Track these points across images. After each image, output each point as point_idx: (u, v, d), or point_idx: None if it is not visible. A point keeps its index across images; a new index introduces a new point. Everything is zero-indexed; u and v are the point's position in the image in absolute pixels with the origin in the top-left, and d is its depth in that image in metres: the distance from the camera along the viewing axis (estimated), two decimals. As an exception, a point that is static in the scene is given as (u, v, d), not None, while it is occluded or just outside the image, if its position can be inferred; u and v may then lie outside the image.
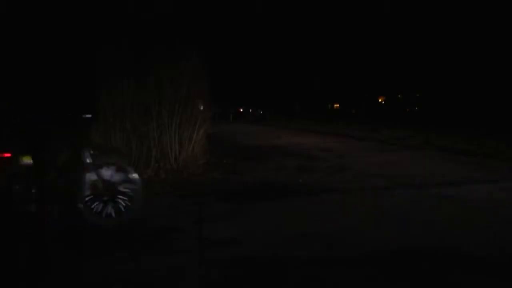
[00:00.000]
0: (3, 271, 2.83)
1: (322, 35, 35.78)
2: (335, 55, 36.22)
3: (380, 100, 42.09)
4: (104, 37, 6.09)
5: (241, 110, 43.30)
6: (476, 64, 25.47)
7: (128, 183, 3.83)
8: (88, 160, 3.77)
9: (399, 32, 29.71)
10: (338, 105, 47.60)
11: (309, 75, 40.36)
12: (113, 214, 3.78)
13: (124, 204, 3.80)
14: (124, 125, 6.21)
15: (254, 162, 7.83)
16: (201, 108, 7.01)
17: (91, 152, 3.80)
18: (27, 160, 3.60)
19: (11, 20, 5.62)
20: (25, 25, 5.75)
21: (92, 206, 3.77)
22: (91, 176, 3.76)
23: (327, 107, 46.70)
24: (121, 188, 3.82)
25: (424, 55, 28.76)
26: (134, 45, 6.27)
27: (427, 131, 13.30)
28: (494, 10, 23.53)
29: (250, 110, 44.52)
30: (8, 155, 3.50)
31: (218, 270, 2.75)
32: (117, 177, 3.83)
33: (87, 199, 3.77)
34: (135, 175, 3.86)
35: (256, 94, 45.48)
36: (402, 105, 37.38)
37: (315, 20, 35.76)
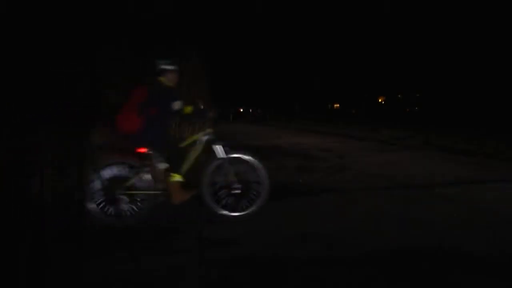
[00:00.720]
0: (3, 271, 2.83)
1: (322, 35, 35.81)
2: (335, 55, 36.23)
3: (380, 100, 42.12)
4: (104, 37, 6.08)
5: (241, 110, 43.33)
6: (476, 64, 25.48)
7: (254, 175, 3.98)
8: (221, 155, 3.94)
9: (399, 32, 29.72)
10: (338, 105, 47.63)
11: (309, 75, 40.37)
12: (242, 206, 3.96)
13: (252, 196, 3.98)
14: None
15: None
16: (201, 108, 6.99)
17: (223, 146, 3.97)
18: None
19: (11, 20, 5.62)
20: (25, 25, 5.75)
21: (222, 200, 3.96)
22: (224, 170, 3.95)
23: (327, 107, 46.72)
24: (249, 181, 4.01)
25: (424, 55, 28.77)
26: (134, 45, 6.26)
27: (427, 131, 13.32)
28: (494, 10, 23.53)
29: (250, 110, 44.56)
30: (145, 150, 3.80)
31: (218, 270, 2.75)
32: (244, 170, 4.00)
33: (217, 192, 3.97)
34: (260, 166, 3.98)
35: (256, 94, 45.51)
36: (402, 105, 37.42)
37: (315, 20, 35.77)
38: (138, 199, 3.85)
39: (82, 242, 3.38)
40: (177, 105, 3.78)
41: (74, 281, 2.69)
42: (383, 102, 41.76)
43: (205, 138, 4.01)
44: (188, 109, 3.91)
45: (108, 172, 3.80)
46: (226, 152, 3.97)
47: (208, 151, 4.01)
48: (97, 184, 3.78)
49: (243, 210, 3.94)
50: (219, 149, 3.95)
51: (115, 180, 3.80)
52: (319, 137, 13.83)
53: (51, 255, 3.09)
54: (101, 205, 3.79)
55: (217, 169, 3.97)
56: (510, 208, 4.23)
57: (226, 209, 3.92)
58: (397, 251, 3.04)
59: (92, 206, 3.77)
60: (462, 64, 26.27)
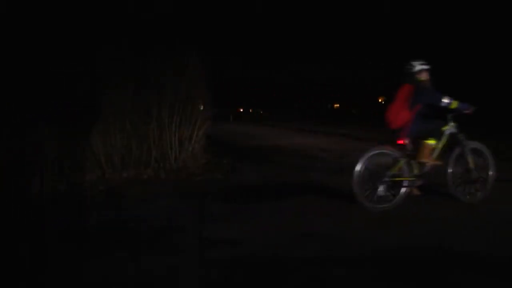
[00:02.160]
0: (3, 271, 2.83)
1: (321, 35, 35.81)
2: (335, 55, 36.25)
3: (380, 100, 42.11)
4: (104, 37, 6.08)
5: (241, 110, 43.37)
6: (476, 64, 25.49)
7: (485, 163, 4.40)
8: (463, 145, 4.34)
9: (399, 32, 29.72)
10: (338, 105, 47.64)
11: (308, 75, 40.40)
12: (476, 192, 4.36)
13: (483, 182, 4.38)
14: (124, 125, 6.21)
15: (254, 162, 7.83)
16: (201, 108, 7.01)
17: (463, 136, 4.36)
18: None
19: (11, 20, 5.61)
20: (25, 25, 5.75)
21: (463, 186, 4.35)
22: (465, 159, 4.35)
23: (327, 107, 46.74)
24: (480, 170, 4.39)
25: (423, 55, 28.74)
26: (134, 45, 6.26)
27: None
28: (494, 10, 23.54)
29: (250, 110, 44.59)
30: (402, 142, 4.27)
31: (218, 270, 2.75)
32: (478, 159, 4.40)
33: (459, 180, 4.37)
34: (490, 156, 4.41)
35: (256, 94, 45.53)
36: (402, 105, 37.34)
37: (315, 20, 35.79)
38: (397, 186, 4.20)
39: (82, 242, 3.37)
40: (446, 99, 4.18)
41: (74, 281, 2.69)
42: (383, 102, 41.76)
43: (450, 130, 4.39)
44: (455, 103, 4.24)
45: (375, 160, 4.20)
46: (465, 143, 4.34)
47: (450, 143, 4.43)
48: (365, 171, 4.13)
49: (476, 196, 4.33)
50: (461, 140, 4.32)
51: (380, 168, 4.18)
52: (319, 137, 13.83)
53: (51, 255, 3.09)
54: (366, 190, 4.14)
55: (459, 158, 4.35)
56: (510, 208, 4.23)
57: (462, 194, 4.31)
58: (397, 251, 3.04)
59: (358, 191, 4.09)
60: (462, 64, 26.28)
